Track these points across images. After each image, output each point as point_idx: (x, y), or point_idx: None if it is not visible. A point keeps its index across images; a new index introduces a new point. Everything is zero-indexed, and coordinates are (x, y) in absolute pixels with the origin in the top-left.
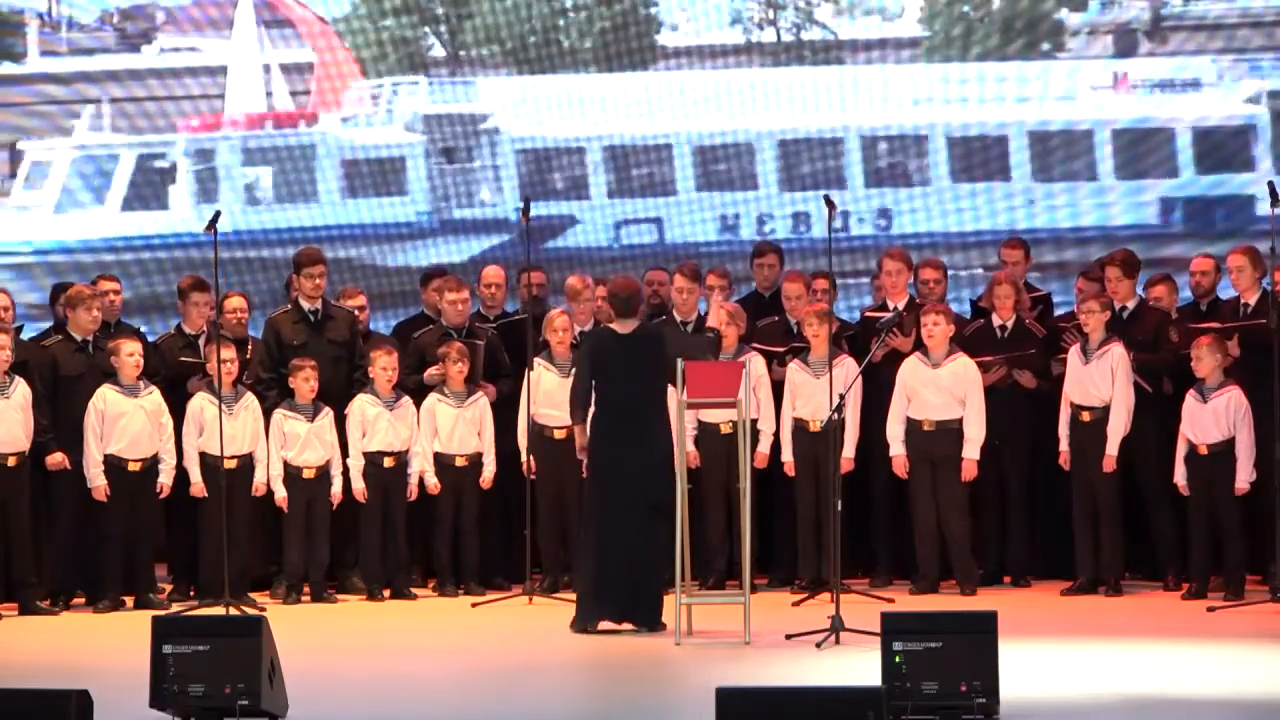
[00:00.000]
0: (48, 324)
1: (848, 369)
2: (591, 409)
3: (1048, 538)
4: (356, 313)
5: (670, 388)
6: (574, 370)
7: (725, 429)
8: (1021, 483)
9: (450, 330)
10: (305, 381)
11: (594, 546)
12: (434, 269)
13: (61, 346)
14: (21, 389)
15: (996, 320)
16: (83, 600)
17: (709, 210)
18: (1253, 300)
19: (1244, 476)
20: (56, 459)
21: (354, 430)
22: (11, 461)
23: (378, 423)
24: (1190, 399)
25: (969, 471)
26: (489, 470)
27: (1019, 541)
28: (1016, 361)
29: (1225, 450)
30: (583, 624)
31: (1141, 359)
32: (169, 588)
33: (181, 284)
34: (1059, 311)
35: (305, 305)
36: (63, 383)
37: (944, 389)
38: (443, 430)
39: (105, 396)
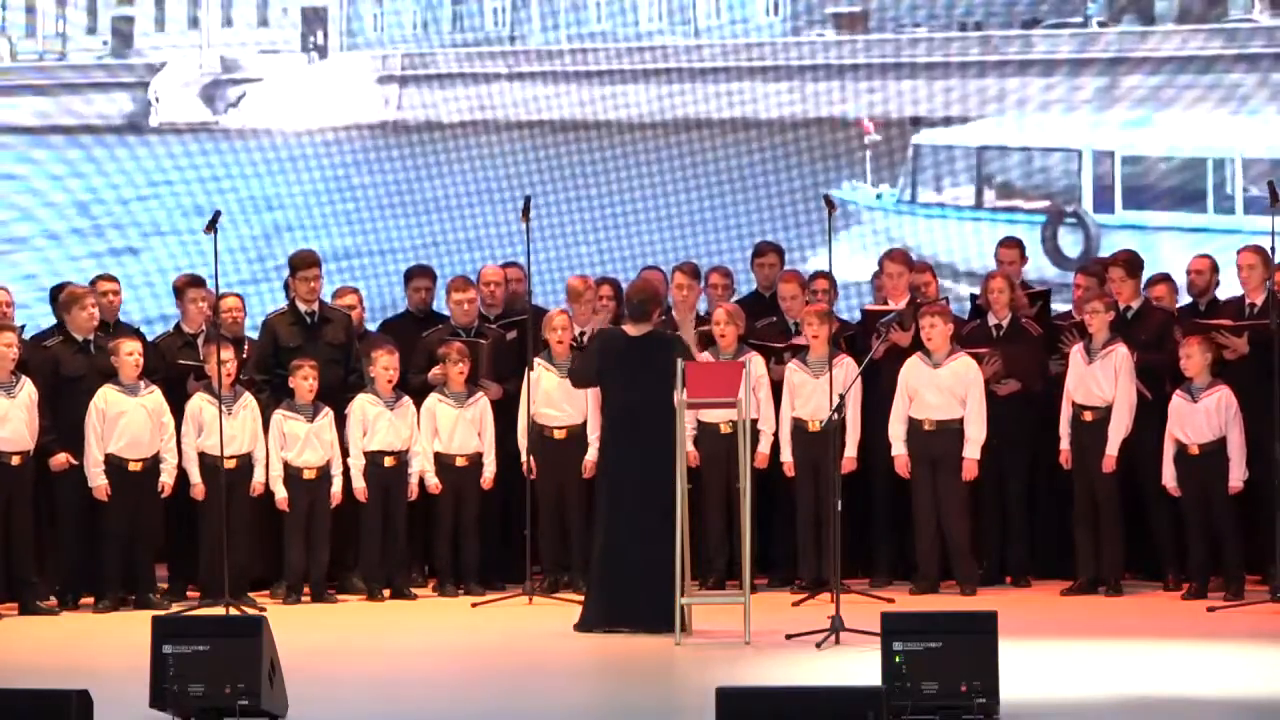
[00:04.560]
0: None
1: (847, 369)
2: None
3: (1048, 538)
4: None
5: None
6: (581, 358)
7: (725, 429)
8: (1022, 483)
9: (459, 329)
10: (305, 381)
11: (606, 550)
12: (417, 266)
13: (62, 347)
14: (28, 388)
15: (992, 319)
16: (90, 600)
17: None
18: (1260, 300)
19: (1237, 475)
20: (60, 459)
21: (354, 430)
22: (15, 461)
23: (378, 422)
24: (1178, 399)
25: (969, 471)
26: (489, 470)
27: (1020, 541)
28: (1010, 360)
29: (1217, 450)
30: (589, 626)
31: (1145, 359)
32: (165, 587)
33: (177, 282)
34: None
35: (301, 307)
36: (64, 383)
37: (945, 389)
38: (443, 430)
39: (106, 396)
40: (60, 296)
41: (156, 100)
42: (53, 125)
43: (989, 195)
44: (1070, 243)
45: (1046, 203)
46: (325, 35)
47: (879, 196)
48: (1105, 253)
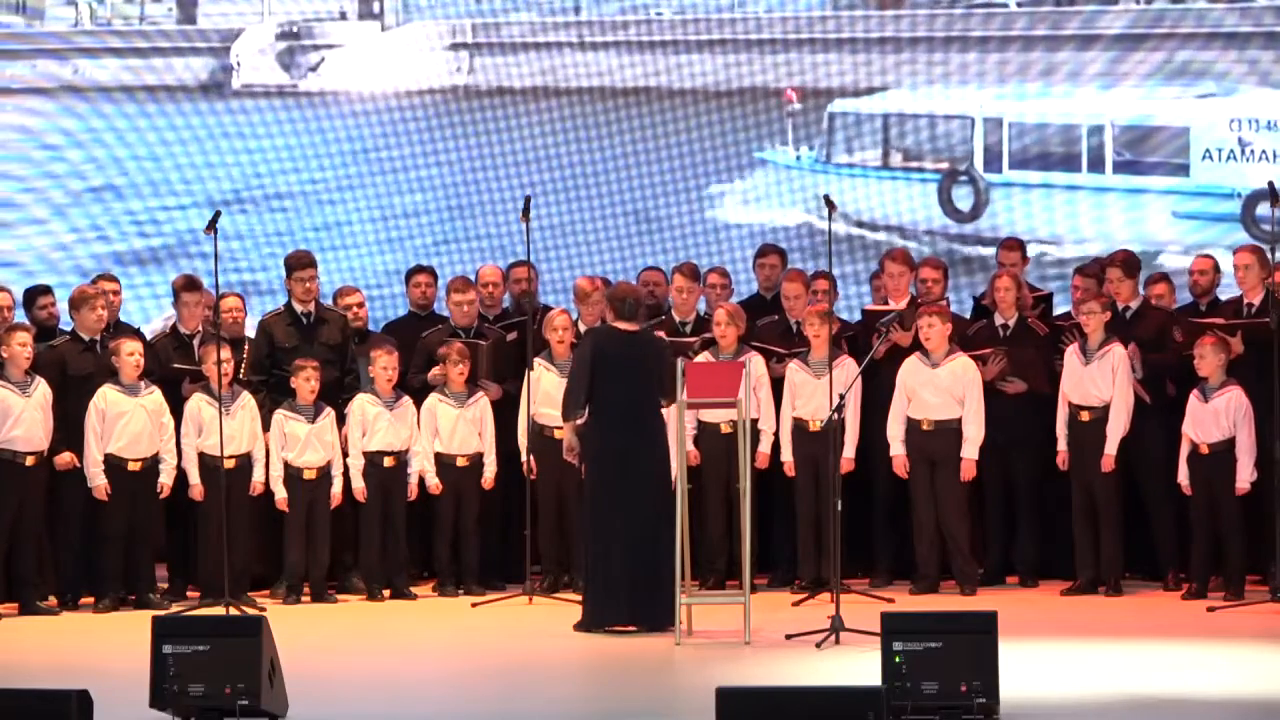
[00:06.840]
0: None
1: (848, 369)
2: (585, 409)
3: (1053, 538)
4: (355, 309)
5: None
6: (572, 366)
7: (725, 429)
8: (1030, 483)
9: (459, 330)
10: (306, 382)
11: (601, 547)
12: (416, 266)
13: (70, 347)
14: (43, 389)
15: (999, 319)
16: (90, 600)
17: None
18: (1257, 300)
19: (1244, 476)
20: (65, 459)
21: (354, 430)
22: (30, 461)
23: (378, 422)
24: (1193, 398)
25: (968, 471)
26: (490, 470)
27: (1028, 541)
28: (1016, 360)
29: (1226, 450)
30: (589, 626)
31: (1146, 359)
32: (164, 587)
33: (175, 283)
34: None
35: (297, 308)
36: (71, 383)
37: (943, 389)
38: (443, 430)
39: (106, 396)
40: (39, 299)
41: (238, 64)
42: (141, 85)
43: (894, 156)
44: (962, 198)
45: (945, 164)
46: (382, 5)
47: (798, 157)
48: (993, 207)
